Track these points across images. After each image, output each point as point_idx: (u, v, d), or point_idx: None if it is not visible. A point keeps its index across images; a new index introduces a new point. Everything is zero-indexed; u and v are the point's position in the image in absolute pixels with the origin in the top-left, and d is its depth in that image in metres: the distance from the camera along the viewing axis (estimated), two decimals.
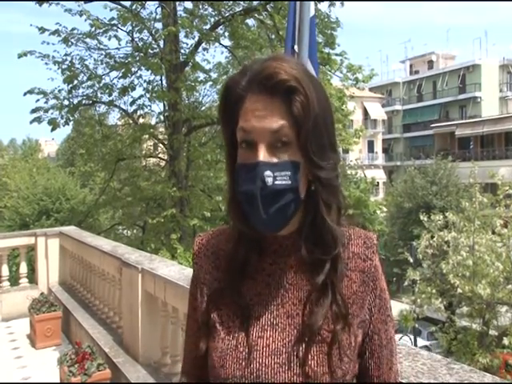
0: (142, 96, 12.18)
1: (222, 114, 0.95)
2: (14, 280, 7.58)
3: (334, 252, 0.91)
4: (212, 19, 12.06)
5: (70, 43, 11.35)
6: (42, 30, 10.98)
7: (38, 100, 11.68)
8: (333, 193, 0.91)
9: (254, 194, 0.85)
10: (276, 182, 0.85)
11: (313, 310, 0.90)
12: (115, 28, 11.38)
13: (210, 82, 13.93)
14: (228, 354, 0.90)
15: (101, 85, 12.06)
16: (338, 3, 11.65)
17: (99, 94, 12.41)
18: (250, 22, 12.35)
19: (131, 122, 13.60)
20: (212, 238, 1.04)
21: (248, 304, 0.93)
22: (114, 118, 16.17)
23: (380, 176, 38.72)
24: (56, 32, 11.04)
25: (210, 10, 11.97)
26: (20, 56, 11.01)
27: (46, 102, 11.77)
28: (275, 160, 0.86)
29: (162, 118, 13.13)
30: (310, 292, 0.92)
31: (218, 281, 0.98)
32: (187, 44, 12.54)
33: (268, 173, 0.85)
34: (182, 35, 11.91)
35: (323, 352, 0.88)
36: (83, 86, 12.09)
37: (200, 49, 12.28)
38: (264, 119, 0.85)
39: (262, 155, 0.85)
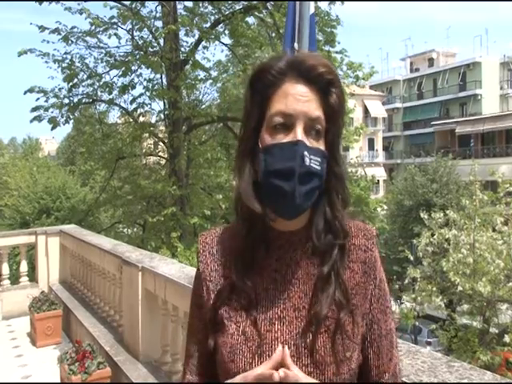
0: (142, 94, 12.18)
1: (251, 97, 0.95)
2: (15, 278, 7.59)
3: (342, 239, 0.95)
4: (212, 17, 12.06)
5: (70, 42, 11.32)
6: (42, 28, 10.95)
7: (38, 99, 11.69)
8: (343, 187, 0.97)
9: (292, 170, 0.87)
10: (312, 164, 0.89)
11: (318, 299, 0.92)
12: (115, 26, 11.35)
13: (210, 80, 13.94)
14: (238, 348, 0.92)
15: (101, 83, 12.05)
16: (338, 1, 11.65)
17: (99, 93, 12.40)
18: (250, 20, 12.37)
19: (131, 120, 13.59)
20: (216, 236, 1.05)
21: (256, 299, 0.94)
22: (114, 116, 16.23)
23: (380, 174, 38.65)
24: (56, 30, 11.01)
25: (210, 8, 11.96)
26: (20, 54, 10.99)
27: (46, 101, 11.77)
28: (310, 144, 0.90)
29: (162, 116, 13.11)
30: (315, 283, 0.94)
31: (224, 277, 0.99)
32: (187, 42, 12.56)
33: (306, 153, 0.88)
34: (182, 33, 11.93)
35: (330, 341, 0.89)
36: (83, 84, 12.08)
37: (200, 47, 12.27)
38: (305, 104, 0.90)
39: (301, 136, 0.88)
